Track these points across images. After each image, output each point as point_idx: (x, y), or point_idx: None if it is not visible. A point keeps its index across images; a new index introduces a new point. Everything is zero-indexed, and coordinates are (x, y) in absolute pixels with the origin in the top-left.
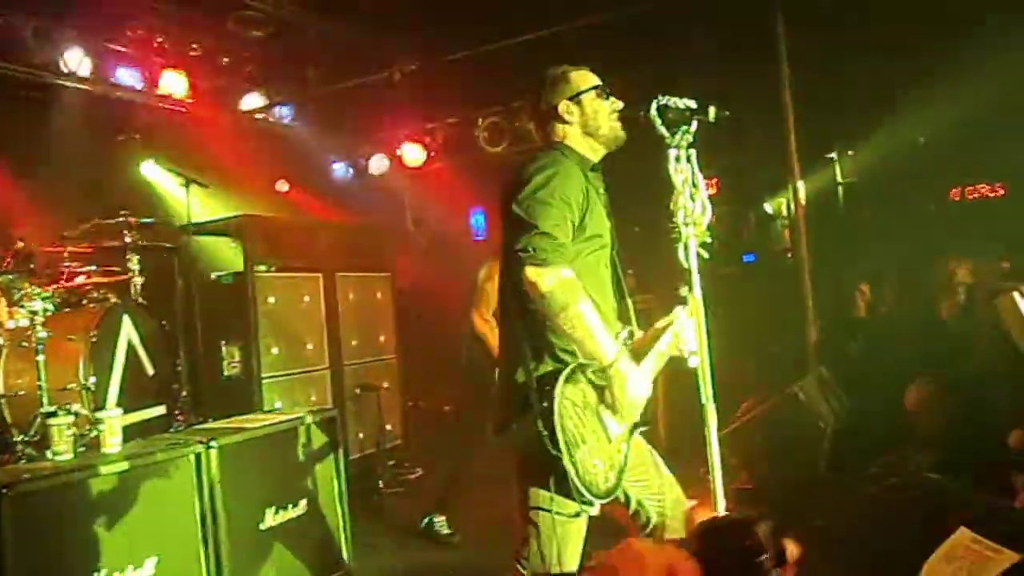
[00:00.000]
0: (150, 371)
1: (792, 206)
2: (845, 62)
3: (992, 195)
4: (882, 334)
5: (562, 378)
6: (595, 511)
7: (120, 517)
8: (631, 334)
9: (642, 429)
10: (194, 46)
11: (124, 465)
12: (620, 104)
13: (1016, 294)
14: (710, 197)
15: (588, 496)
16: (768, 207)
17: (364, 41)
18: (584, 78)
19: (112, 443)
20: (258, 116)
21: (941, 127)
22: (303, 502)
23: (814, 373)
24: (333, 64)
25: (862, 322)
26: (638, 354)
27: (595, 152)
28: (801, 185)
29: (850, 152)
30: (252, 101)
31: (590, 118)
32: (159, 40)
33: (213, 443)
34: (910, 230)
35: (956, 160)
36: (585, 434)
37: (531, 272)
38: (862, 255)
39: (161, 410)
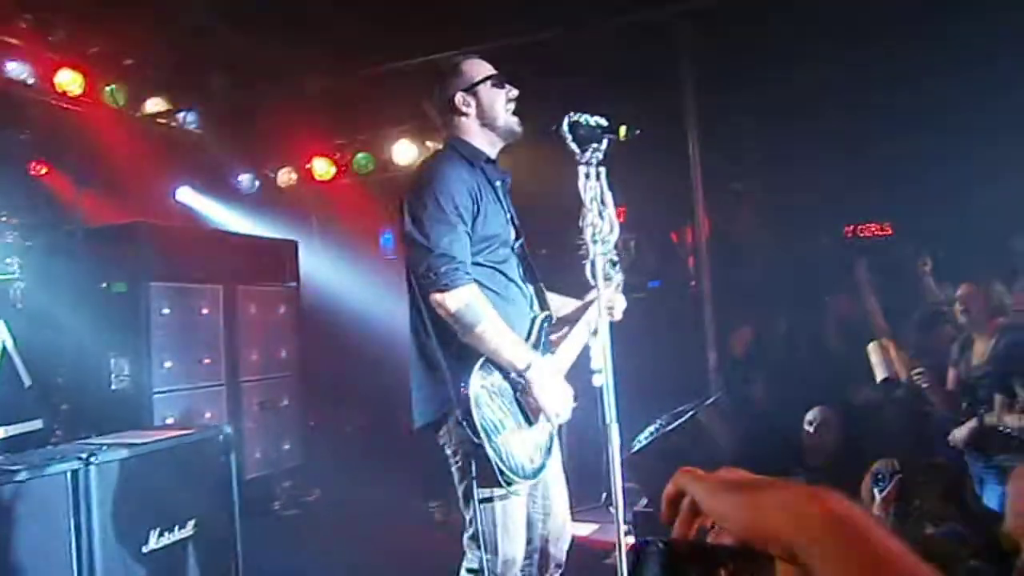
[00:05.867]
0: (27, 382)
1: (695, 236)
2: (749, 92)
3: (881, 234)
4: (775, 367)
5: (476, 368)
6: (524, 491)
7: None
8: (549, 319)
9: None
10: (94, 45)
11: None
12: (516, 92)
13: (872, 345)
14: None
15: (514, 478)
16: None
17: (275, 51)
18: (477, 67)
19: None
20: (160, 120)
21: (838, 166)
22: (191, 523)
23: (714, 398)
24: (242, 73)
25: (740, 363)
26: (558, 341)
27: (492, 145)
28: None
29: (751, 185)
30: (154, 105)
31: (486, 109)
32: (54, 36)
33: (92, 459)
34: (807, 264)
35: (851, 198)
36: (504, 419)
37: (437, 297)
38: (760, 288)
39: (37, 424)
